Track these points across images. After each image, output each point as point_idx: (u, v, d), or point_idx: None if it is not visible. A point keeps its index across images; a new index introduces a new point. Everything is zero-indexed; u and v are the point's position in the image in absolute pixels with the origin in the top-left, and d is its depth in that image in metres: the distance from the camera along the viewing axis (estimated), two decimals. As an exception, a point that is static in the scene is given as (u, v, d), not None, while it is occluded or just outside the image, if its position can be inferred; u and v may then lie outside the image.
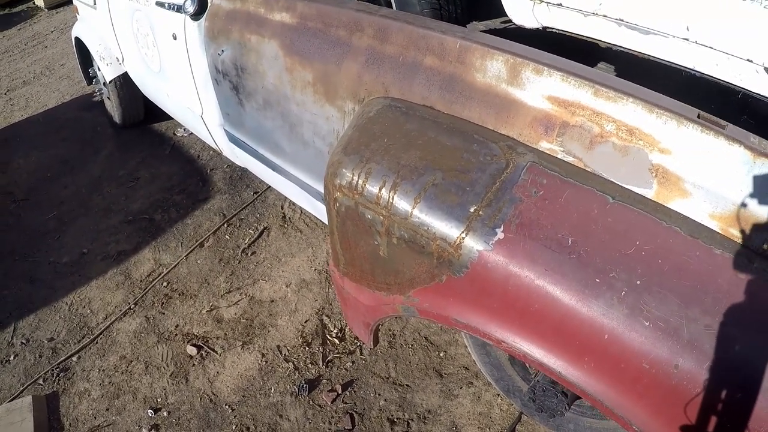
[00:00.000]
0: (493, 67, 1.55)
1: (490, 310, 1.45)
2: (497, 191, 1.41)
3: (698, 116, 1.31)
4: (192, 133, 4.02)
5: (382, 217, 1.55)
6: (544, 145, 1.48)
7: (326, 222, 2.62)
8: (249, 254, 3.34)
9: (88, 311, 3.18)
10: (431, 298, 1.57)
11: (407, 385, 2.53)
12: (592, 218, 1.33)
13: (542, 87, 1.47)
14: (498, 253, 1.36)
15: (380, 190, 1.54)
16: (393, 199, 1.51)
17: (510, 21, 3.03)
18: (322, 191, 2.27)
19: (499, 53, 1.54)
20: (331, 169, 1.66)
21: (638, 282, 1.22)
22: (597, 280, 1.25)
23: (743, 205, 1.24)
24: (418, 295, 1.61)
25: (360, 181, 1.58)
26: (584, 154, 1.42)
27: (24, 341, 3.07)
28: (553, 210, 1.36)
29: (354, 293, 1.89)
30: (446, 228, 1.42)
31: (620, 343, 1.22)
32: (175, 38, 2.78)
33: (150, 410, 2.62)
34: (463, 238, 1.40)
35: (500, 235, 1.36)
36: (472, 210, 1.40)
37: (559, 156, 1.46)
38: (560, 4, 2.18)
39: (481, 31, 3.47)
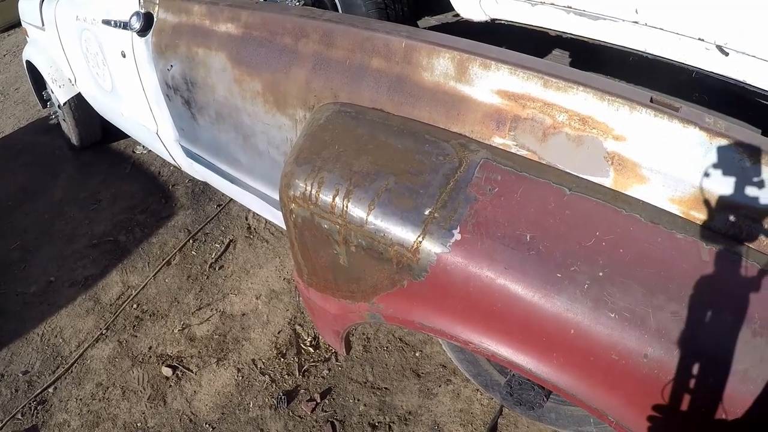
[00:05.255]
0: (440, 64, 1.53)
1: (454, 312, 1.43)
2: (451, 191, 1.39)
3: (651, 100, 1.30)
4: (151, 150, 3.95)
5: (338, 227, 1.53)
6: (497, 141, 1.46)
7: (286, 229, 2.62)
8: (217, 269, 3.30)
9: (60, 340, 3.12)
10: (395, 304, 1.55)
11: (386, 388, 2.51)
12: (549, 212, 1.31)
13: (491, 82, 1.46)
14: (456, 255, 1.34)
15: (334, 199, 1.51)
16: (347, 207, 1.48)
17: (462, 14, 3.00)
18: (281, 200, 2.26)
19: (445, 50, 1.52)
20: (285, 180, 1.63)
21: (601, 274, 1.21)
22: (558, 275, 1.24)
23: (703, 186, 1.24)
24: (383, 302, 1.58)
25: (313, 191, 1.55)
26: (538, 146, 1.41)
27: (-2, 376, 3.01)
28: (510, 206, 1.34)
29: (320, 303, 1.87)
30: (402, 233, 1.40)
31: (587, 336, 1.21)
32: (124, 56, 2.73)
33: (129, 436, 2.58)
34: (420, 242, 1.37)
35: (457, 236, 1.34)
36: (427, 213, 1.38)
37: (513, 150, 1.44)
38: (507, -5, 2.16)
39: (434, 26, 3.46)
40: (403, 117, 1.60)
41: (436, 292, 1.42)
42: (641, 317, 1.16)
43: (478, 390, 2.42)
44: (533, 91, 1.40)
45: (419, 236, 1.38)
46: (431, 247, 1.36)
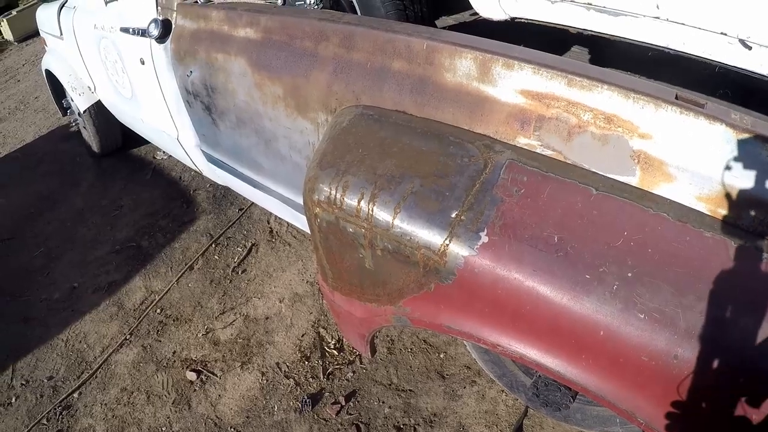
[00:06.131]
0: (462, 65, 1.53)
1: (481, 315, 1.42)
2: (477, 193, 1.38)
3: (676, 97, 1.28)
4: (171, 155, 3.97)
5: (364, 230, 1.52)
6: (522, 141, 1.45)
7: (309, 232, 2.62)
8: (239, 273, 3.31)
9: (85, 346, 3.14)
10: (422, 307, 1.54)
11: (410, 390, 2.50)
12: (576, 212, 1.30)
13: (514, 81, 1.45)
14: (484, 258, 1.33)
15: (359, 202, 1.51)
16: (372, 211, 1.48)
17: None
18: (305, 205, 2.26)
19: (467, 51, 1.51)
20: (309, 184, 1.63)
21: (629, 274, 1.20)
22: (587, 276, 1.23)
23: (730, 184, 1.22)
24: (409, 305, 1.58)
25: (338, 196, 1.55)
26: (563, 146, 1.40)
27: (24, 382, 3.03)
28: (537, 207, 1.33)
29: (345, 306, 1.87)
30: (429, 236, 1.39)
31: (616, 337, 1.20)
32: (143, 63, 2.74)
33: (155, 441, 2.59)
34: (447, 245, 1.37)
35: (484, 238, 1.33)
36: (453, 215, 1.38)
37: (538, 151, 1.43)
38: (526, -7, 2.16)
39: (452, 25, 3.45)
40: (426, 119, 1.60)
41: (464, 294, 1.41)
42: (671, 317, 1.14)
43: (503, 391, 2.41)
44: (557, 90, 1.39)
45: (446, 239, 1.37)
46: (458, 249, 1.35)
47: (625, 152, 1.32)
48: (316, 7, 2.34)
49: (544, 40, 2.42)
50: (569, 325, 1.26)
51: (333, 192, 1.56)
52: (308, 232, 2.63)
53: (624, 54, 2.31)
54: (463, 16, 3.53)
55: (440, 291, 1.45)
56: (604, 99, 1.32)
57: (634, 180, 1.32)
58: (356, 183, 1.52)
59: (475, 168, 1.42)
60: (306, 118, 1.93)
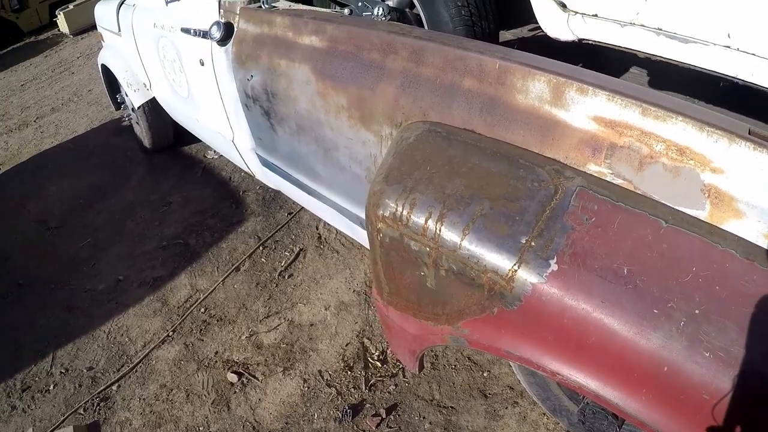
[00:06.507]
0: (535, 87, 1.51)
1: (544, 343, 1.40)
2: (548, 220, 1.36)
3: (749, 132, 1.26)
4: (223, 155, 4.00)
5: (429, 249, 1.51)
6: (592, 168, 1.43)
7: (364, 244, 2.60)
8: (286, 277, 3.30)
9: (127, 339, 3.17)
10: (482, 330, 1.53)
11: (452, 407, 2.48)
12: (646, 245, 1.28)
13: (588, 107, 1.43)
14: (552, 286, 1.31)
15: (426, 221, 1.49)
16: (440, 230, 1.47)
17: (538, 28, 2.97)
18: (360, 215, 2.25)
19: (541, 73, 1.49)
20: (373, 199, 1.62)
21: (697, 311, 1.18)
22: (655, 311, 1.21)
23: None
24: (468, 327, 1.56)
25: (404, 213, 1.54)
26: (634, 176, 1.38)
27: (63, 370, 3.07)
28: (607, 238, 1.31)
29: (399, 322, 1.85)
30: (497, 260, 1.38)
31: (680, 374, 1.18)
32: (202, 64, 2.77)
33: (193, 440, 2.60)
34: (516, 271, 1.35)
35: (554, 266, 1.32)
36: (523, 241, 1.36)
37: (608, 179, 1.41)
38: (596, 15, 2.12)
39: (510, 40, 3.43)
40: (495, 139, 1.58)
41: (528, 321, 1.39)
42: (736, 357, 1.12)
43: (544, 414, 2.37)
44: (631, 118, 1.36)
45: (515, 264, 1.35)
46: (527, 276, 1.34)
47: (696, 186, 1.30)
48: (383, 19, 2.33)
49: (599, 62, 2.40)
50: (633, 359, 1.24)
51: (399, 208, 1.55)
52: (359, 241, 2.65)
53: (681, 77, 2.27)
54: (522, 32, 3.51)
55: (503, 315, 1.44)
56: (678, 131, 1.30)
57: (703, 214, 1.29)
58: (424, 201, 1.51)
59: (545, 193, 1.40)
60: (369, 130, 1.93)
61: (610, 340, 1.26)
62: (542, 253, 1.33)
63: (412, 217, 1.52)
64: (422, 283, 1.61)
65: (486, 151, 1.55)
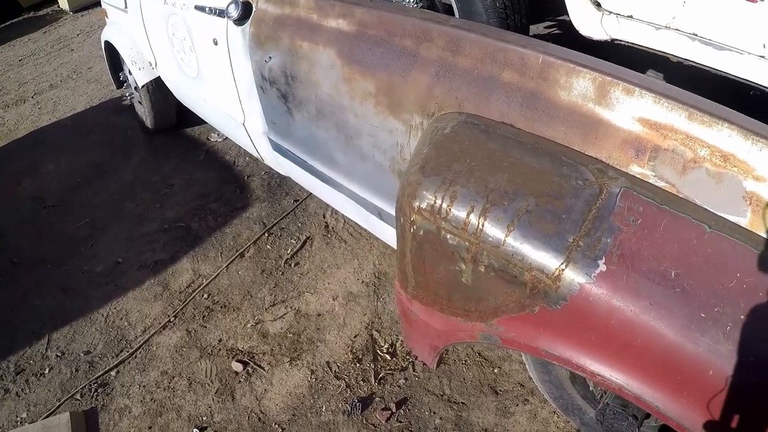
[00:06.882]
0: (579, 85, 1.48)
1: (587, 344, 1.37)
2: (594, 219, 1.34)
3: None
4: (227, 138, 3.93)
5: (468, 244, 1.47)
6: (635, 169, 1.41)
7: (378, 235, 2.55)
8: (292, 265, 3.25)
9: (126, 323, 3.11)
10: (518, 328, 1.49)
11: (462, 403, 2.45)
12: (692, 249, 1.27)
13: (633, 108, 1.40)
14: (601, 287, 1.29)
15: (468, 215, 1.45)
16: (483, 225, 1.43)
17: (554, 26, 2.95)
18: (379, 205, 2.20)
19: (586, 71, 1.46)
20: (408, 189, 1.58)
21: (742, 317, 1.18)
22: (702, 315, 1.21)
23: None
24: (503, 324, 1.52)
25: (444, 205, 1.49)
26: (677, 179, 1.36)
27: (59, 354, 3.01)
28: (654, 240, 1.30)
29: (423, 316, 1.81)
30: (543, 258, 1.35)
31: (725, 379, 1.18)
32: (216, 43, 2.70)
33: (195, 429, 2.55)
34: (563, 270, 1.32)
35: (602, 267, 1.29)
36: (570, 240, 1.33)
37: (651, 181, 1.39)
38: (631, 16, 2.10)
39: (536, 34, 3.39)
40: (536, 135, 1.54)
41: (572, 321, 1.37)
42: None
43: (554, 412, 2.35)
44: (677, 122, 1.34)
45: (562, 263, 1.32)
46: (574, 276, 1.31)
47: (738, 192, 1.29)
48: (415, 5, 2.27)
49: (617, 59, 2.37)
50: (679, 362, 1.24)
51: (438, 201, 1.50)
52: (373, 232, 2.60)
53: (697, 80, 2.26)
54: (538, 28, 3.46)
55: (544, 314, 1.40)
56: (724, 137, 1.29)
57: (743, 221, 1.29)
58: (466, 194, 1.47)
59: (590, 192, 1.37)
60: (398, 118, 1.88)
61: (656, 343, 1.26)
62: (590, 252, 1.31)
63: (452, 210, 1.48)
64: (456, 279, 1.57)
65: (527, 146, 1.51)
